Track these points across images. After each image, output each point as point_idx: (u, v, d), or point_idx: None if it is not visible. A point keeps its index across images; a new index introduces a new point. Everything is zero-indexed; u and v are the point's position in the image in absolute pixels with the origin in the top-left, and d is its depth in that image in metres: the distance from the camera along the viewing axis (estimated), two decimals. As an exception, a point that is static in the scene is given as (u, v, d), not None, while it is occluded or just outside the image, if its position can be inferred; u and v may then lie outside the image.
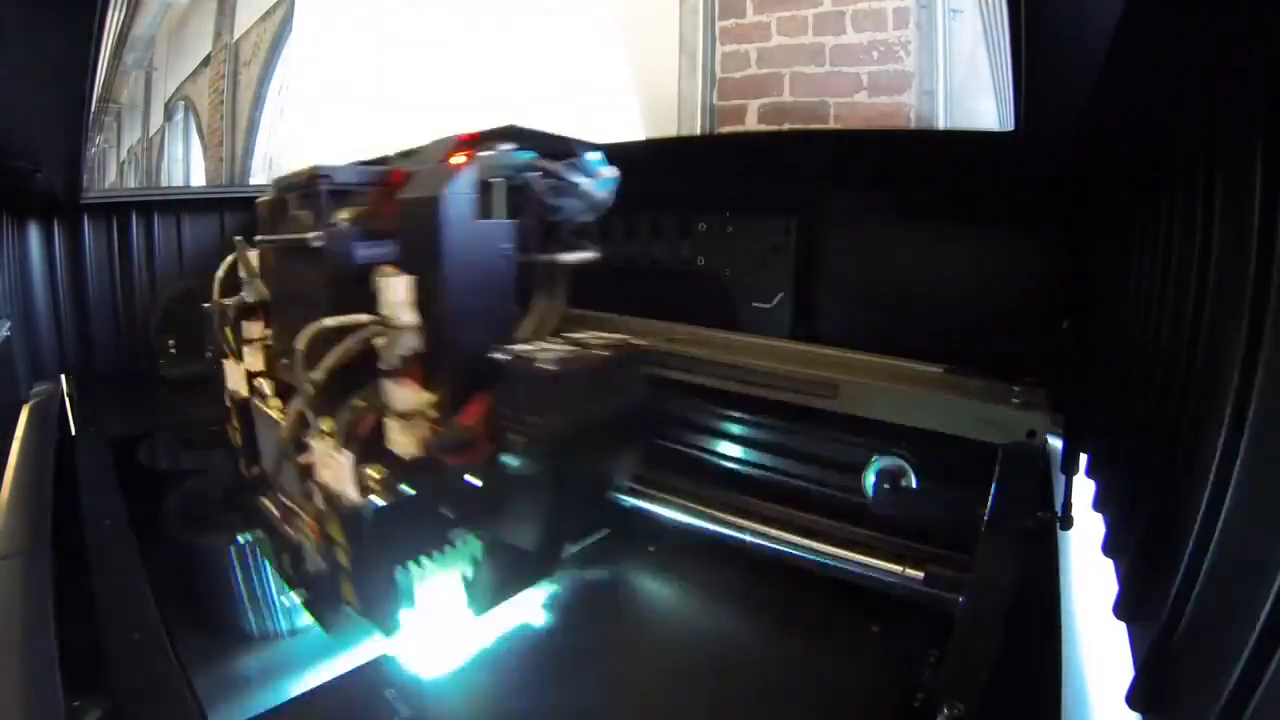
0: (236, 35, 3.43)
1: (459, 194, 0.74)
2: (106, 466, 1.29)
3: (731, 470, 1.22)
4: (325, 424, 0.76)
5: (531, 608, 1.00)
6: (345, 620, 0.87)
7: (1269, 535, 0.45)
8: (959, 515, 0.86)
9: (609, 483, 0.92)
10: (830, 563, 0.95)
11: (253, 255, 0.98)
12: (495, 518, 0.78)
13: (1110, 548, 0.82)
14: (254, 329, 0.96)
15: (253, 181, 3.45)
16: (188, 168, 3.55)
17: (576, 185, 0.83)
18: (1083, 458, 1.07)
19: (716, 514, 1.10)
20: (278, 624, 1.12)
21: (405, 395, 0.73)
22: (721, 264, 1.51)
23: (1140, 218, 0.88)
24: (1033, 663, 0.68)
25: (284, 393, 0.89)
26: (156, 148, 3.48)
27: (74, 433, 1.52)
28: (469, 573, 0.86)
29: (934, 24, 1.93)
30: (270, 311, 0.94)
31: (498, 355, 0.74)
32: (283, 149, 3.44)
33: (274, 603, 1.12)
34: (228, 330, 1.00)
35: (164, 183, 3.46)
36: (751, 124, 2.20)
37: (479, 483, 0.74)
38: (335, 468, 0.75)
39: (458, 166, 0.76)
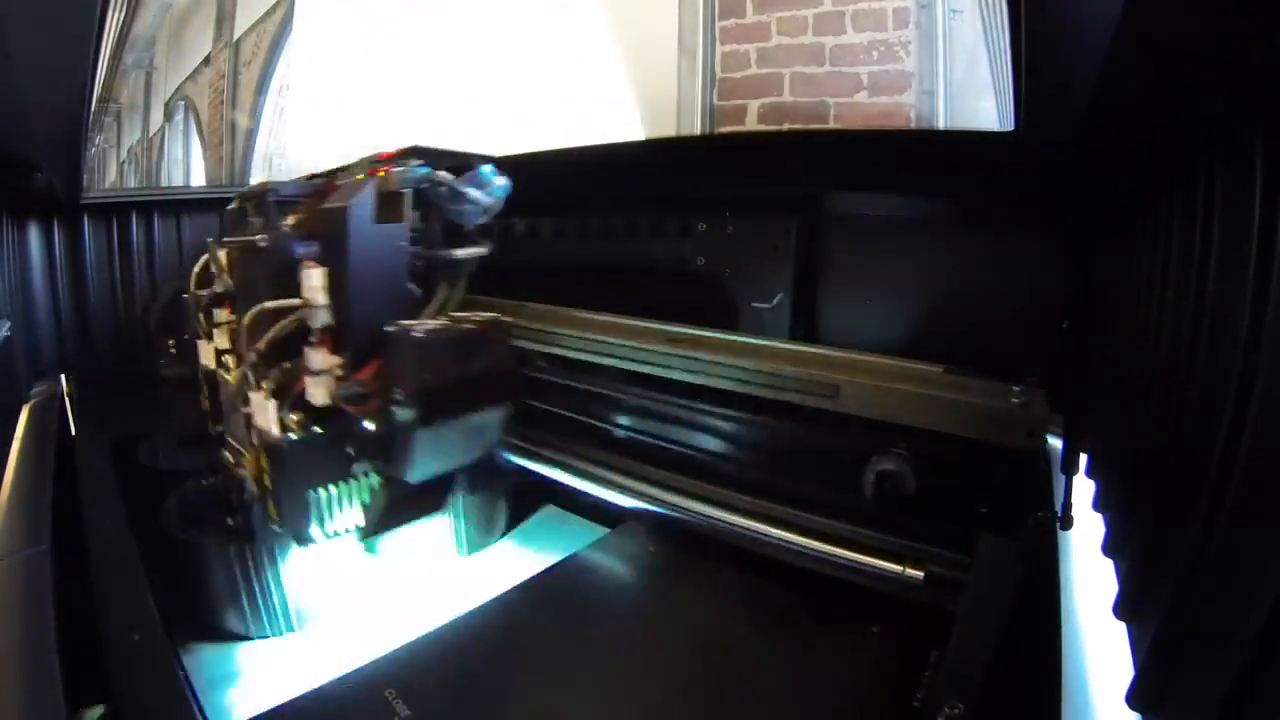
0: (236, 35, 3.43)
1: (361, 205, 0.98)
2: (106, 466, 1.30)
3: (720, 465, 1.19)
4: (263, 382, 0.98)
5: (535, 607, 1.01)
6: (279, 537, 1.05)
7: (1269, 535, 0.45)
8: (958, 515, 0.86)
9: (482, 433, 1.07)
10: (829, 560, 0.94)
11: (221, 253, 1.15)
12: (386, 456, 0.99)
13: (1110, 548, 0.82)
14: (221, 314, 1.15)
15: (253, 181, 3.45)
16: (188, 168, 3.55)
17: (466, 194, 1.04)
18: (1083, 458, 1.07)
19: (713, 510, 1.09)
20: (278, 624, 1.12)
21: (318, 358, 0.96)
22: (721, 264, 1.51)
23: (1140, 218, 0.88)
24: (1033, 663, 0.68)
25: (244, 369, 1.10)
26: (156, 148, 3.48)
27: (74, 433, 1.52)
28: (369, 499, 1.08)
29: (934, 24, 1.93)
30: (233, 299, 1.12)
31: (388, 328, 0.96)
32: (283, 149, 3.44)
33: (274, 603, 1.12)
34: (201, 316, 1.20)
35: (164, 183, 3.46)
36: (751, 124, 2.20)
37: (372, 426, 0.97)
38: (265, 413, 0.98)
39: (363, 182, 0.98)
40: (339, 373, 0.97)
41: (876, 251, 1.35)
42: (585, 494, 1.28)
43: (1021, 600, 0.69)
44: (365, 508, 1.06)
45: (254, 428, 1.02)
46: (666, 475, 1.18)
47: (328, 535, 1.04)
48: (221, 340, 1.14)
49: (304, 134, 3.35)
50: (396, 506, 1.10)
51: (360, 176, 1.01)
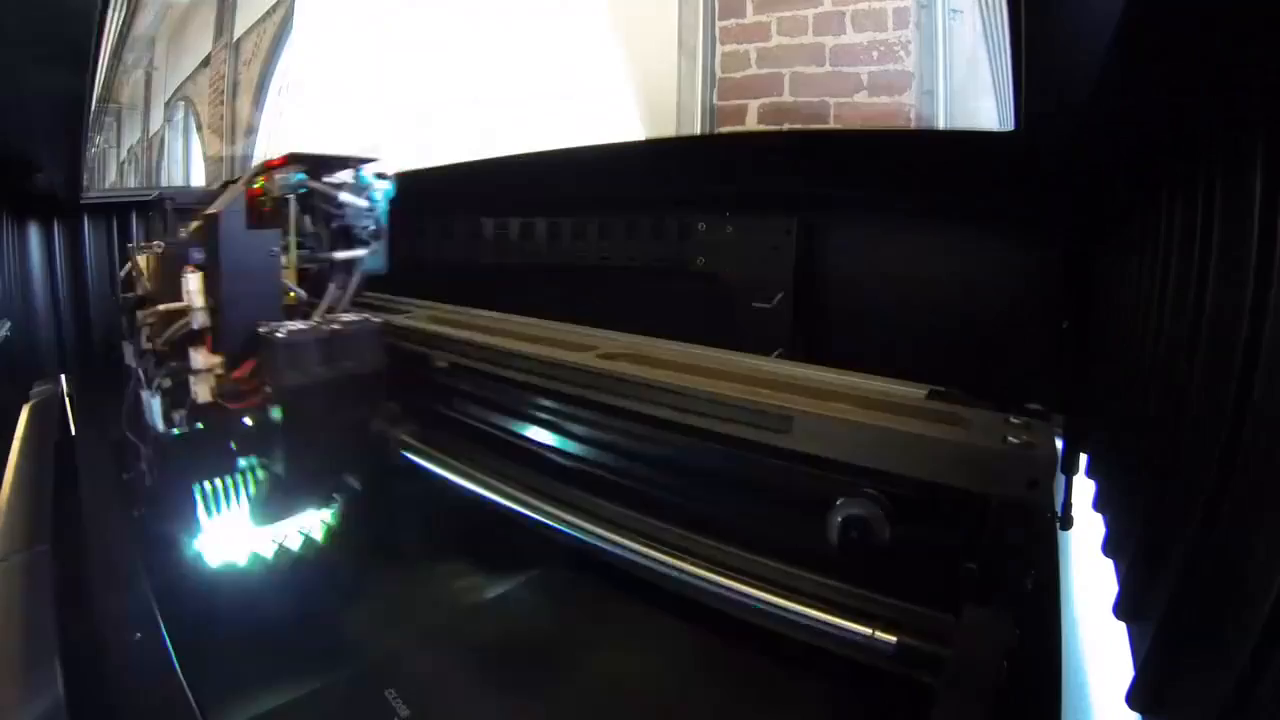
0: (236, 35, 3.43)
1: (231, 211, 1.01)
2: (106, 466, 1.30)
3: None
4: (154, 380, 1.04)
5: (535, 613, 1.01)
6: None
7: (1268, 535, 0.45)
8: (940, 569, 0.69)
9: (355, 431, 1.10)
10: (783, 616, 0.74)
11: (140, 258, 1.19)
12: (264, 452, 1.05)
13: (1110, 548, 0.82)
14: (146, 316, 1.16)
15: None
16: (188, 168, 3.55)
17: (339, 199, 1.09)
18: (1083, 458, 1.07)
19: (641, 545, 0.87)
20: (278, 624, 1.12)
21: (199, 358, 1.01)
22: (721, 264, 1.51)
23: (1140, 218, 0.88)
24: (1033, 663, 0.68)
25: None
26: (156, 148, 3.48)
27: (74, 433, 1.52)
28: (254, 492, 1.12)
29: (934, 24, 1.93)
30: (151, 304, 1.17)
31: (260, 329, 1.00)
32: (282, 149, 3.44)
33: (274, 603, 1.12)
34: (124, 318, 1.26)
35: (164, 183, 3.46)
36: (751, 124, 2.20)
37: (250, 423, 1.03)
38: (151, 411, 1.06)
39: (237, 189, 1.04)
40: (219, 371, 1.02)
41: (876, 251, 1.36)
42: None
43: (1014, 681, 0.60)
44: (251, 501, 1.11)
45: (147, 424, 1.10)
46: (585, 500, 0.98)
47: (204, 526, 1.10)
48: (144, 341, 1.14)
49: (304, 134, 3.35)
50: (283, 498, 1.12)
51: (252, 183, 1.08)
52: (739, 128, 2.20)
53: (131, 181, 3.40)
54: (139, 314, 1.15)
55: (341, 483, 1.12)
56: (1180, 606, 0.55)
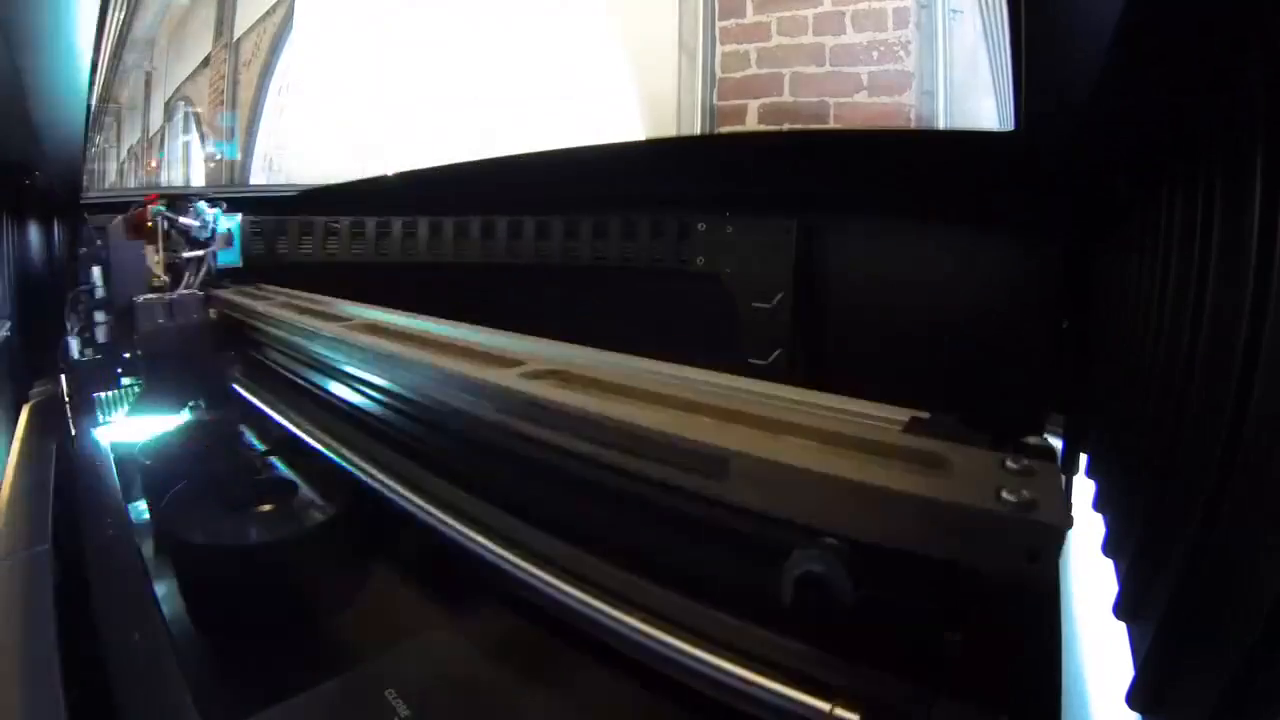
0: (236, 35, 3.43)
1: (116, 226, 1.68)
2: (106, 466, 1.30)
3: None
4: (74, 333, 1.75)
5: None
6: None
7: (1269, 535, 0.45)
8: (916, 639, 0.56)
9: (191, 363, 1.60)
10: (725, 684, 0.62)
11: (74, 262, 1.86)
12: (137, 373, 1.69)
13: (1110, 548, 0.82)
14: (71, 294, 1.83)
15: (253, 181, 3.45)
16: (188, 168, 3.55)
17: (180, 223, 1.69)
18: (1083, 458, 1.07)
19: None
20: (278, 623, 1.12)
21: (99, 315, 1.71)
22: (721, 264, 1.51)
23: (1140, 217, 0.88)
24: (1033, 663, 0.68)
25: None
26: (156, 148, 3.48)
27: (74, 433, 1.52)
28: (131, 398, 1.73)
29: (934, 24, 1.94)
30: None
31: (134, 298, 1.56)
32: (283, 148, 3.44)
33: (274, 602, 1.12)
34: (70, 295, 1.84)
35: (164, 183, 3.46)
36: (751, 124, 2.20)
37: (128, 357, 1.70)
38: (74, 349, 1.75)
39: (123, 214, 1.68)
40: (112, 323, 1.69)
41: (876, 251, 1.36)
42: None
43: (1015, 681, 0.53)
44: (129, 403, 1.70)
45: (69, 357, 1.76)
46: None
47: (105, 422, 1.66)
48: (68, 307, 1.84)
49: (304, 133, 3.35)
50: (148, 403, 1.62)
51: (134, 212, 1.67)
52: (739, 128, 2.21)
53: (131, 181, 3.40)
54: (70, 292, 1.81)
55: (188, 395, 1.63)
56: (1180, 606, 0.55)
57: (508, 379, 0.80)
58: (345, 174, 2.45)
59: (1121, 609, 0.70)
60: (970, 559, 0.50)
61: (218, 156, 3.45)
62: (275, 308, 1.42)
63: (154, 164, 3.40)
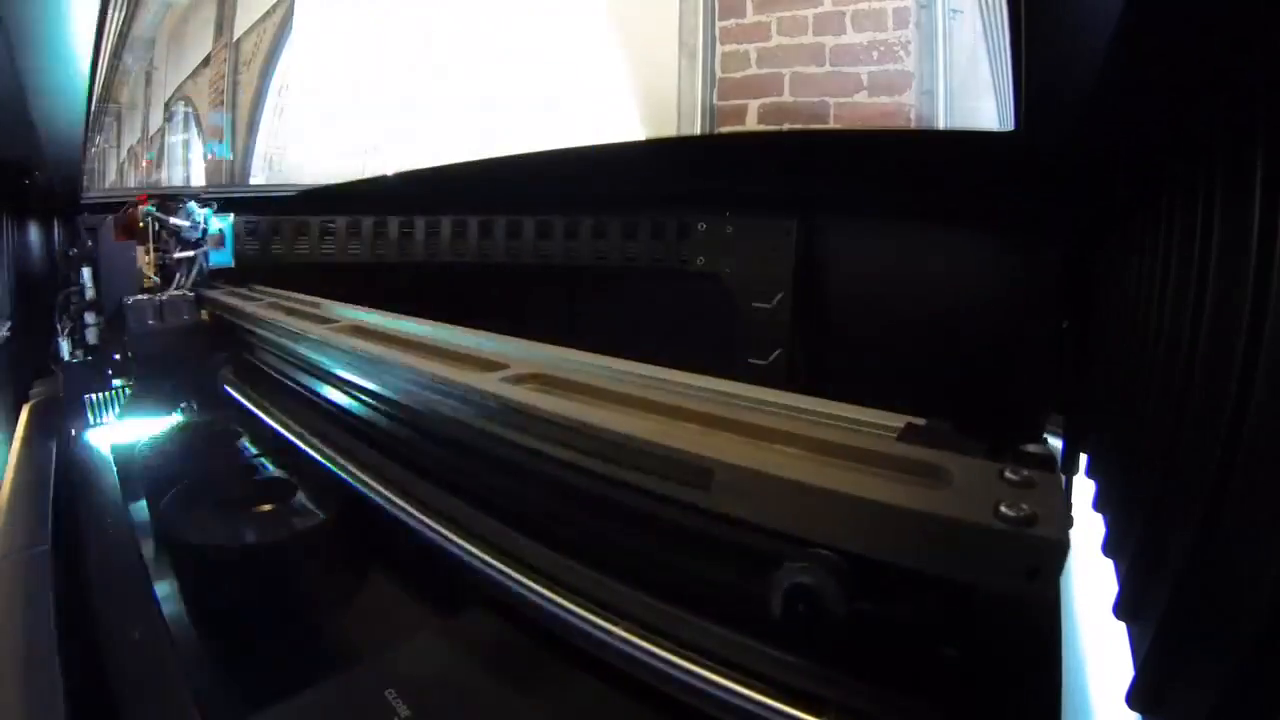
0: (236, 35, 3.43)
1: (107, 228, 1.73)
2: (106, 466, 1.30)
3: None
4: (64, 334, 1.72)
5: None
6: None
7: (1268, 535, 0.45)
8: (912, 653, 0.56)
9: (181, 364, 1.63)
10: (714, 694, 0.60)
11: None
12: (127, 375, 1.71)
13: (1110, 548, 0.82)
14: (61, 295, 1.81)
15: (253, 181, 3.45)
16: (188, 168, 3.55)
17: (170, 223, 1.68)
18: (1083, 458, 1.07)
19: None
20: (277, 624, 1.12)
21: (89, 317, 1.70)
22: (721, 264, 1.51)
23: (1140, 218, 0.88)
24: (1033, 663, 0.68)
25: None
26: (156, 148, 3.48)
27: (74, 432, 1.52)
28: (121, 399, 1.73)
29: (934, 24, 1.94)
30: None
31: (125, 299, 1.59)
32: (283, 148, 3.44)
33: (274, 602, 1.12)
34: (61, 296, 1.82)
35: (164, 182, 3.46)
36: (751, 124, 2.20)
37: (118, 357, 1.68)
38: (63, 350, 1.74)
39: (114, 215, 1.71)
40: (101, 325, 1.68)
41: (876, 251, 1.36)
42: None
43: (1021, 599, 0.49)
44: (120, 404, 1.73)
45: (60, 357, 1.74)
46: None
47: (97, 423, 1.67)
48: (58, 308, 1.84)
49: (303, 133, 3.35)
50: (138, 404, 1.68)
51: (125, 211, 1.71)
52: (739, 128, 2.21)
53: (131, 181, 3.40)
54: (60, 294, 1.79)
55: (179, 397, 1.65)
56: (1180, 606, 0.55)
57: (489, 384, 0.79)
58: (345, 174, 2.45)
59: (1121, 609, 0.70)
60: (967, 576, 0.48)
61: (216, 156, 3.45)
62: (263, 309, 1.41)
63: (146, 164, 3.40)
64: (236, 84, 3.45)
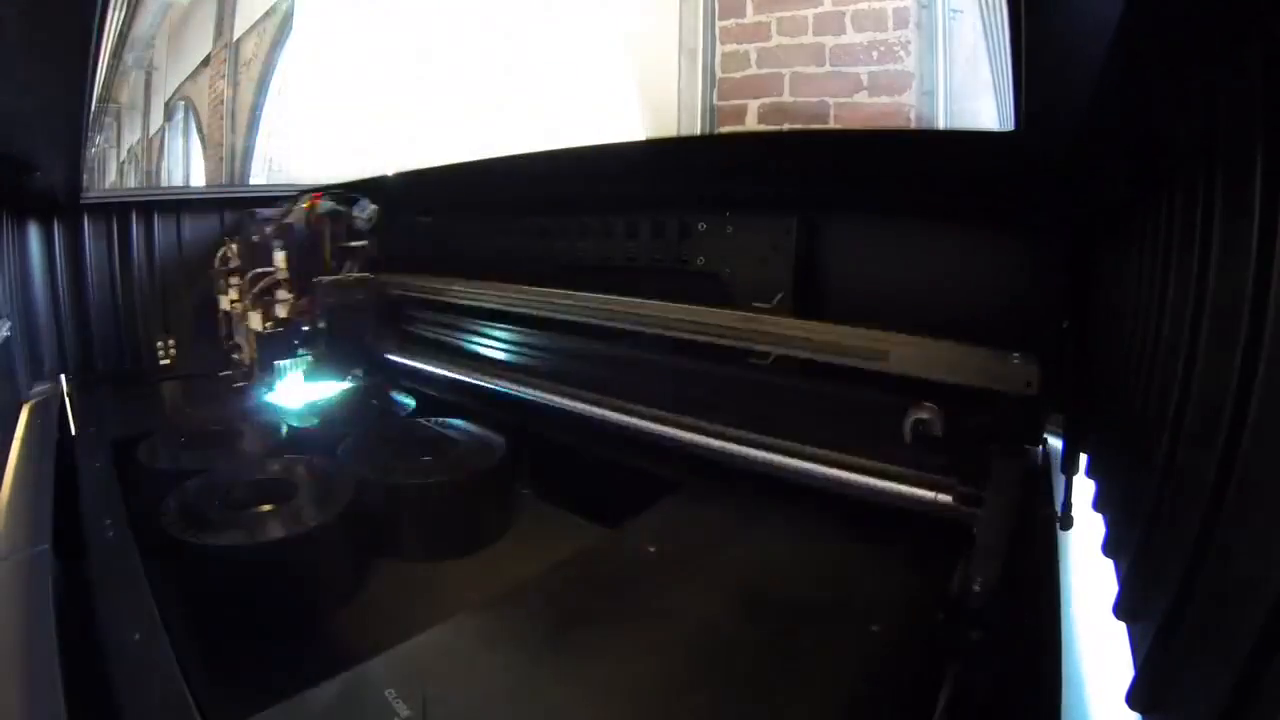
0: (236, 35, 3.43)
1: (298, 221, 1.89)
2: (106, 466, 1.30)
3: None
4: (253, 309, 1.87)
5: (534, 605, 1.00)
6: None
7: (1269, 535, 0.45)
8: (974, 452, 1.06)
9: (364, 339, 1.98)
10: (880, 491, 1.12)
11: (233, 246, 2.00)
12: (311, 344, 1.92)
13: (1110, 548, 0.82)
14: (233, 279, 1.98)
15: (253, 181, 3.45)
16: (188, 168, 3.55)
17: (346, 213, 1.90)
18: (1083, 458, 1.07)
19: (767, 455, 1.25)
20: (277, 624, 1.12)
21: (281, 293, 1.86)
22: (721, 264, 1.51)
23: (1140, 218, 0.88)
24: (1033, 663, 0.68)
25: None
26: (156, 148, 3.48)
27: (74, 433, 1.53)
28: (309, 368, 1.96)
29: (934, 24, 1.93)
30: (240, 270, 1.96)
31: (313, 279, 1.85)
32: (282, 148, 3.44)
33: (273, 602, 1.12)
34: (221, 280, 2.03)
35: (164, 183, 3.46)
36: (751, 124, 2.20)
37: (305, 329, 1.89)
38: (254, 322, 1.86)
39: (300, 209, 1.88)
40: (291, 300, 1.85)
41: (876, 251, 1.36)
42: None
43: (1021, 597, 0.76)
44: (303, 371, 1.96)
45: (250, 330, 1.90)
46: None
47: (281, 385, 1.91)
48: (233, 294, 1.99)
49: (303, 133, 3.35)
50: (320, 371, 1.98)
51: (304, 204, 1.90)
52: (739, 128, 2.21)
53: (131, 181, 3.40)
54: (229, 277, 1.98)
55: (352, 367, 1.97)
56: (1180, 606, 0.55)
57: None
58: (345, 174, 2.45)
59: (1121, 609, 0.70)
60: (1000, 386, 1.02)
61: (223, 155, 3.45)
62: (429, 280, 1.93)
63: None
64: (236, 84, 3.45)
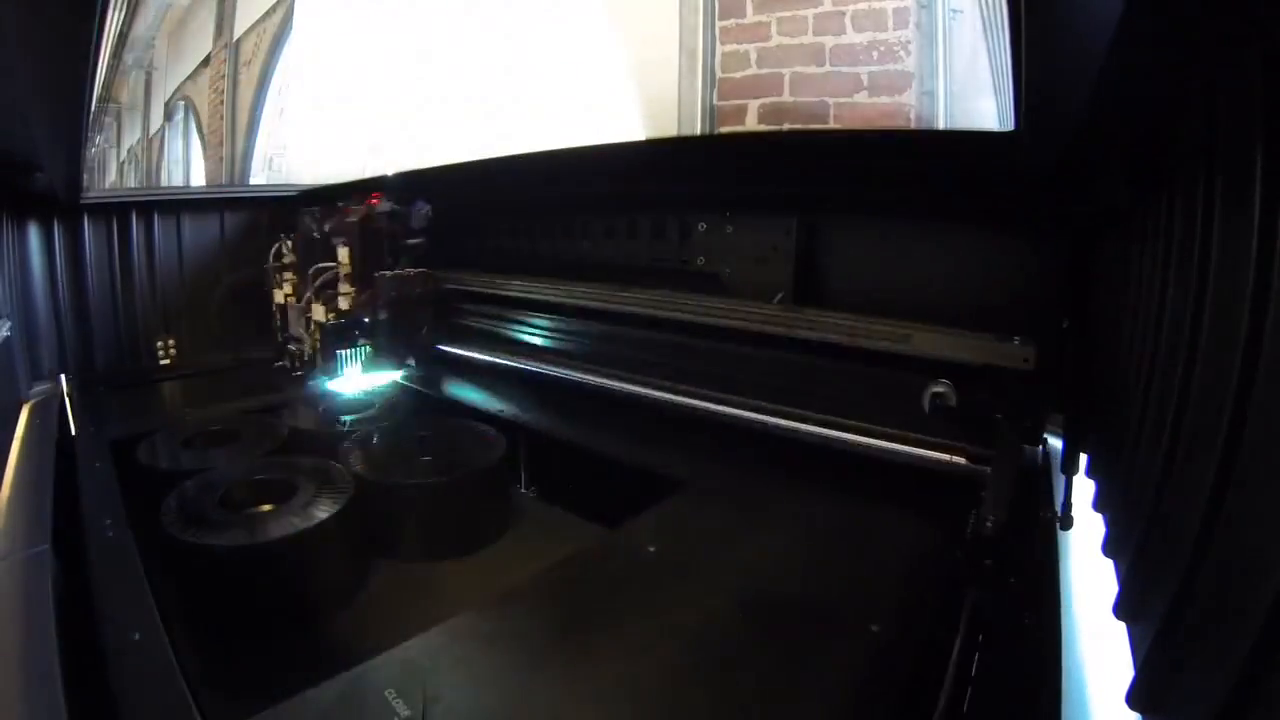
0: (236, 35, 3.43)
1: (363, 218, 1.88)
2: (106, 466, 1.30)
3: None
4: (316, 301, 1.91)
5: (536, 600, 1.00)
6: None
7: (1269, 535, 0.45)
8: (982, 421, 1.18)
9: (418, 330, 1.98)
10: (903, 455, 1.23)
11: (287, 242, 2.10)
12: (371, 335, 1.92)
13: (1110, 548, 0.82)
14: (287, 274, 2.08)
15: (253, 181, 3.45)
16: (188, 168, 3.55)
17: (403, 213, 1.94)
18: (1083, 458, 1.07)
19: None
20: (277, 624, 1.12)
21: (344, 287, 1.88)
22: (721, 264, 1.51)
23: (1140, 217, 0.88)
24: (1033, 663, 0.68)
25: (301, 298, 2.01)
26: (156, 148, 3.48)
27: (74, 433, 1.52)
28: (368, 358, 1.96)
29: (934, 24, 1.93)
30: (295, 266, 2.07)
31: (375, 274, 1.86)
32: (283, 149, 3.44)
33: (273, 602, 1.12)
34: (276, 275, 2.12)
35: (164, 183, 3.46)
36: (751, 124, 2.20)
37: (365, 320, 1.90)
38: (318, 313, 1.91)
39: (362, 208, 1.91)
40: (353, 294, 1.87)
41: (876, 251, 1.36)
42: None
43: (1022, 596, 0.77)
44: (362, 360, 1.97)
45: (313, 322, 1.95)
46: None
47: (343, 374, 1.93)
48: (287, 288, 2.09)
49: (303, 133, 3.35)
50: (379, 360, 1.99)
51: (365, 204, 1.95)
52: (739, 128, 2.21)
53: (131, 181, 3.39)
54: (283, 272, 2.09)
55: (406, 357, 2.01)
56: (1180, 606, 0.55)
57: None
58: (345, 174, 2.45)
59: (1121, 609, 0.70)
60: (1002, 362, 1.14)
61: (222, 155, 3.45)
62: (478, 275, 2.07)
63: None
64: (236, 84, 3.45)
